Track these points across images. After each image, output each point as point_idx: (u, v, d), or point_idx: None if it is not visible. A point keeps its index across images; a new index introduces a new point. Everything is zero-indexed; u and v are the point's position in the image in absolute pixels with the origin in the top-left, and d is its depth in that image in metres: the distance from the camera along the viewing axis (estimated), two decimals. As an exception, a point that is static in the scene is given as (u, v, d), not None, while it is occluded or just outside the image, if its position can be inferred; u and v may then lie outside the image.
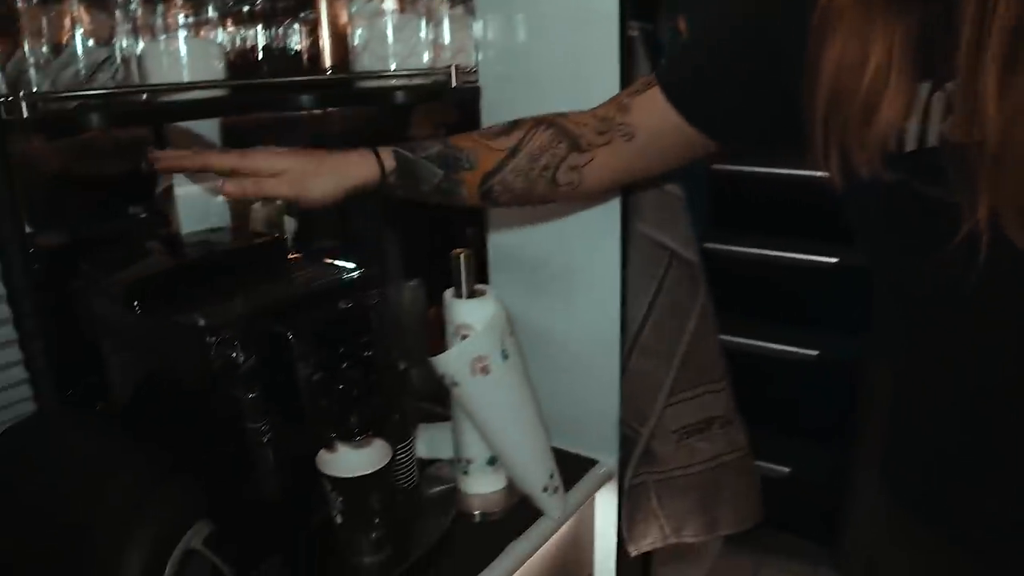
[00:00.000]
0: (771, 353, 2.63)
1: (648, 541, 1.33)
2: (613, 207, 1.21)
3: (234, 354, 0.92)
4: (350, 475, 1.00)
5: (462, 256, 1.13)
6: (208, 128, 1.44)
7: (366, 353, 1.01)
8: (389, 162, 0.95)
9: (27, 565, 0.85)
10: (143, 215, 1.38)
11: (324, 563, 1.06)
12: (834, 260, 2.59)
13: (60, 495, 0.87)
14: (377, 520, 1.03)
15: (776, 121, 0.85)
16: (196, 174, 1.21)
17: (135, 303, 1.01)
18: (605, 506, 1.37)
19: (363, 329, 1.01)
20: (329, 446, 1.02)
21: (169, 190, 1.79)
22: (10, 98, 0.98)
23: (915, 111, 0.65)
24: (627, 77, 1.15)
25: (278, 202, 1.86)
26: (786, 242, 2.71)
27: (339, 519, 1.03)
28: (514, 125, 1.01)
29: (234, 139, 1.46)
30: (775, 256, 2.71)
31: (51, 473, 0.91)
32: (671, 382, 1.26)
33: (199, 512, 0.88)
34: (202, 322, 0.93)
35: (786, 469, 2.52)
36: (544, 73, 1.22)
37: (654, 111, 0.94)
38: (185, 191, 1.53)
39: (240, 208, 1.66)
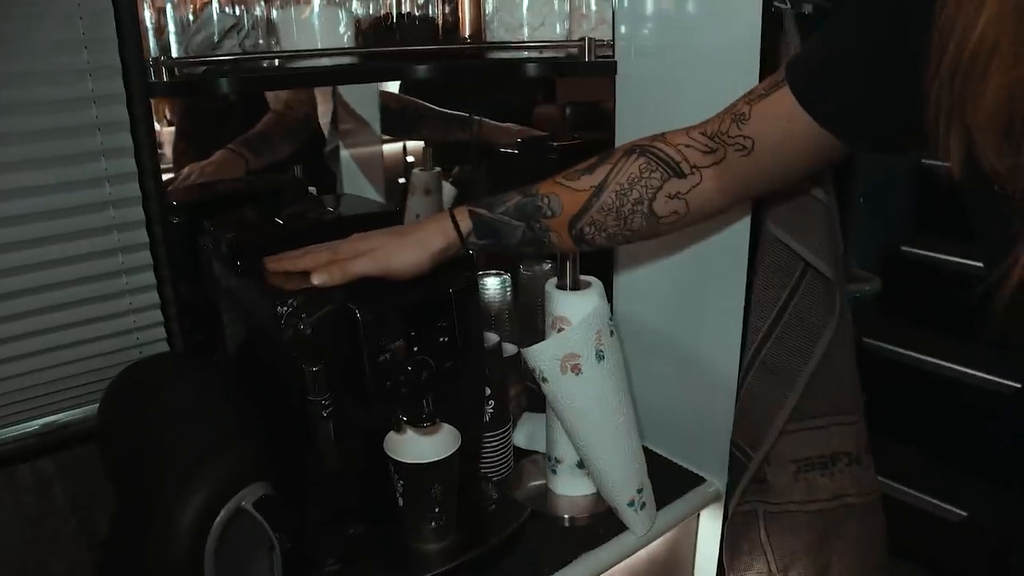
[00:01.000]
0: (965, 378, 2.33)
1: (751, 575, 1.21)
2: (744, 205, 1.08)
3: (302, 326, 0.91)
4: (412, 461, 0.97)
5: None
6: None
7: (442, 338, 0.97)
8: (465, 224, 0.96)
9: (135, 472, 0.93)
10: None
11: (385, 542, 1.05)
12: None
13: (168, 423, 0.94)
14: (438, 508, 1.00)
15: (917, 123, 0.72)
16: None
17: (237, 264, 1.03)
18: (709, 529, 1.26)
19: (443, 314, 0.97)
20: (397, 428, 1.00)
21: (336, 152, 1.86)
22: (153, 60, 1.03)
23: None
24: (770, 55, 1.02)
25: (436, 169, 1.86)
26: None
27: (401, 502, 1.01)
28: (600, 160, 0.94)
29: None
30: (978, 266, 2.40)
31: (166, 403, 0.98)
32: (792, 407, 1.12)
33: (258, 474, 0.88)
34: (278, 291, 0.93)
35: (963, 513, 2.23)
36: (683, 47, 1.11)
37: (779, 116, 0.82)
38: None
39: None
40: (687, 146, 0.90)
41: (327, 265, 0.94)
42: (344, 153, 1.86)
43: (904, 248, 2.52)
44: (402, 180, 1.95)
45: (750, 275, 1.12)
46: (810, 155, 0.85)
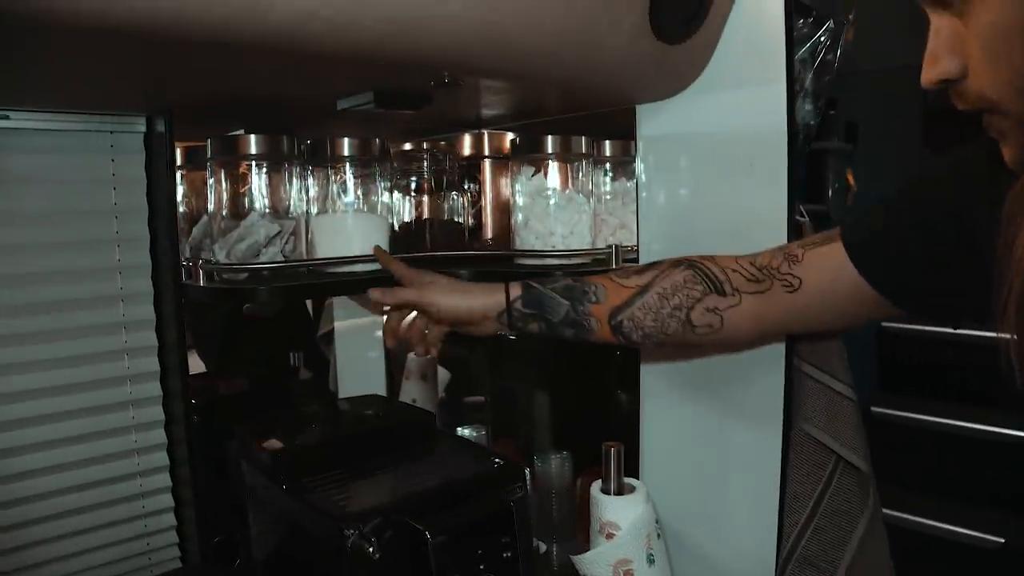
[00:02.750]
0: (947, 536, 2.37)
1: None
2: (776, 403, 1.13)
3: (370, 548, 0.90)
4: None
5: (613, 450, 1.08)
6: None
7: (506, 554, 0.96)
8: (515, 291, 1.00)
9: None
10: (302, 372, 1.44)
11: None
12: (1021, 434, 2.35)
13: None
14: None
15: (967, 297, 0.80)
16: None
17: (282, 479, 1.03)
18: None
19: (505, 528, 0.97)
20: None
21: (328, 336, 1.86)
22: (190, 263, 1.05)
23: None
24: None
25: (432, 355, 1.89)
26: (966, 410, 2.49)
27: None
28: (651, 265, 1.01)
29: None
30: (952, 425, 2.50)
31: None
32: (835, 599, 1.13)
33: None
34: (342, 515, 0.92)
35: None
36: (707, 250, 1.18)
37: (830, 267, 0.90)
38: (344, 355, 1.58)
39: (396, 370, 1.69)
40: (733, 270, 0.96)
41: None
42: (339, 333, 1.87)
43: (874, 409, 2.61)
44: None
45: (784, 469, 1.15)
46: (854, 307, 0.91)
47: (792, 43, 1.10)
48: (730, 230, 1.15)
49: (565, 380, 1.68)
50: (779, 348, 1.12)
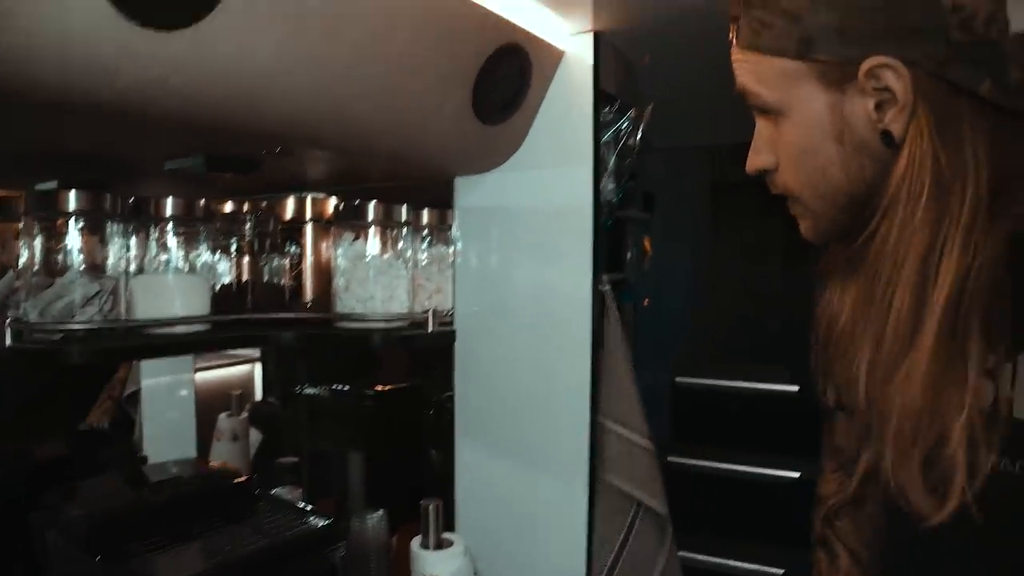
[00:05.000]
0: (734, 572, 2.58)
1: None
2: (581, 456, 1.22)
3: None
4: None
5: (431, 507, 1.13)
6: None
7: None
8: None
9: None
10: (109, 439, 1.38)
11: None
12: (796, 475, 2.60)
13: None
14: None
15: None
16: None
17: (96, 549, 0.99)
18: None
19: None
20: None
21: (134, 397, 1.79)
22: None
23: None
24: (598, 326, 1.21)
25: (244, 415, 1.87)
26: (749, 456, 2.73)
27: None
28: None
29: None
30: (738, 471, 2.72)
31: None
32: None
33: None
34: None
35: None
36: (518, 319, 1.27)
37: None
38: (152, 419, 1.54)
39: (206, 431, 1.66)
40: None
41: None
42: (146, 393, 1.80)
43: (669, 459, 2.81)
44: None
45: (591, 517, 1.24)
46: None
47: (599, 129, 1.23)
48: (538, 297, 1.25)
49: (379, 439, 1.70)
50: (584, 405, 1.21)
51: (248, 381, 2.22)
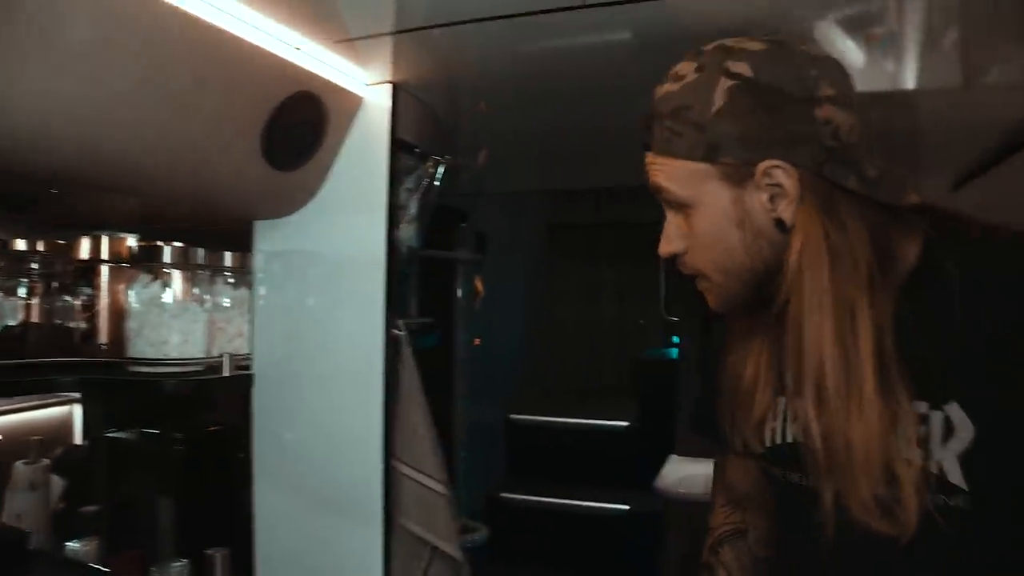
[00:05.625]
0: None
1: None
2: (375, 502, 1.23)
3: None
4: None
5: (218, 556, 1.11)
6: None
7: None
8: None
9: None
10: None
11: None
12: (626, 507, 2.70)
13: None
14: None
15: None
16: None
17: None
18: None
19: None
20: None
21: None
22: None
23: (778, 414, 0.80)
24: (392, 371, 1.23)
25: (44, 461, 1.76)
26: (581, 490, 2.80)
27: None
28: None
29: None
30: (570, 504, 2.79)
31: None
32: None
33: None
34: None
35: None
36: (314, 364, 1.27)
37: None
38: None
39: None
40: None
41: None
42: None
43: (503, 495, 2.85)
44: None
45: (387, 561, 1.25)
46: None
47: (395, 176, 1.26)
48: (333, 342, 1.26)
49: (190, 484, 1.65)
50: (377, 450, 1.23)
51: (65, 424, 2.09)
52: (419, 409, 1.26)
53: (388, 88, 1.24)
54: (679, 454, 2.19)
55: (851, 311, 0.71)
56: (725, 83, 0.71)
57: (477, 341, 2.98)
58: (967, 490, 0.68)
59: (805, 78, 0.70)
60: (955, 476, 0.68)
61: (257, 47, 1.01)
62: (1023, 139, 1.45)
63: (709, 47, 0.74)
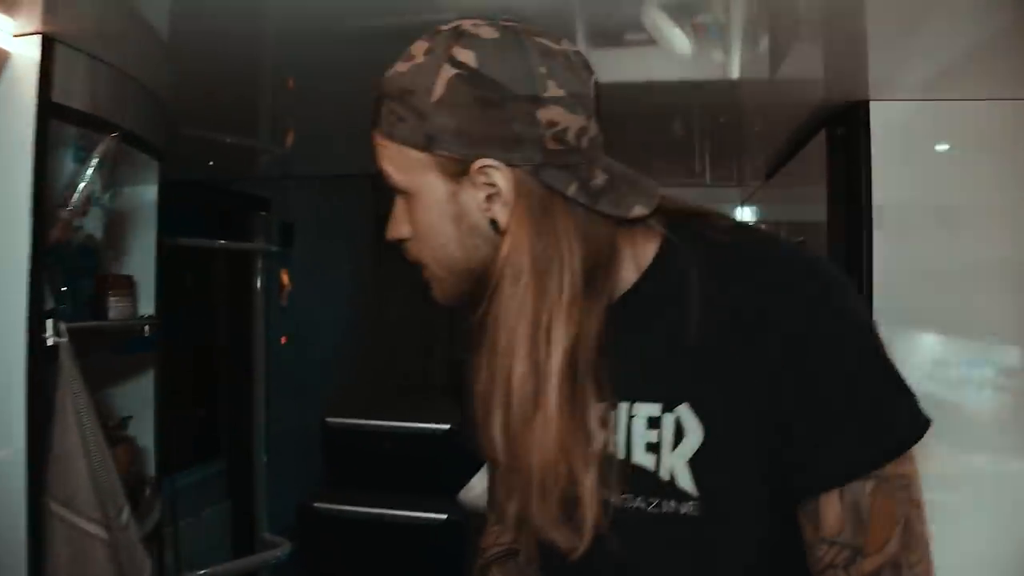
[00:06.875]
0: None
1: None
2: (17, 546, 1.00)
3: None
4: None
5: None
6: None
7: None
8: None
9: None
10: None
11: None
12: (443, 516, 2.54)
13: None
14: None
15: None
16: None
17: None
18: None
19: None
20: None
21: None
22: None
23: None
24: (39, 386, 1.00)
25: None
26: (398, 498, 2.64)
27: None
28: None
29: None
30: (386, 515, 2.62)
31: None
32: None
33: None
34: None
35: None
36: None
37: None
38: None
39: None
40: None
41: None
42: None
43: (317, 505, 2.64)
44: None
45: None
46: None
47: (44, 143, 1.03)
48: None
49: None
50: (20, 483, 1.00)
51: None
52: (75, 433, 1.03)
53: (37, 39, 1.01)
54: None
55: (546, 328, 0.69)
56: (448, 71, 0.67)
57: (284, 339, 2.73)
58: (696, 496, 0.68)
59: (531, 76, 0.67)
60: (685, 482, 0.68)
61: None
62: (819, 124, 1.48)
63: (444, 28, 0.71)
